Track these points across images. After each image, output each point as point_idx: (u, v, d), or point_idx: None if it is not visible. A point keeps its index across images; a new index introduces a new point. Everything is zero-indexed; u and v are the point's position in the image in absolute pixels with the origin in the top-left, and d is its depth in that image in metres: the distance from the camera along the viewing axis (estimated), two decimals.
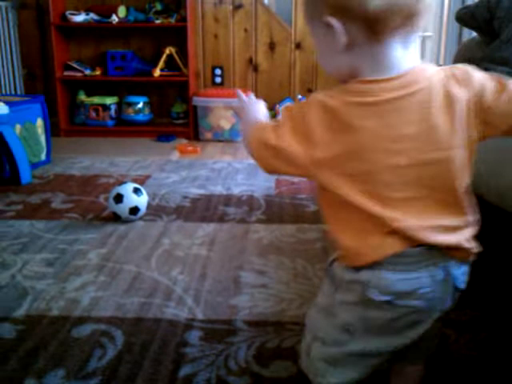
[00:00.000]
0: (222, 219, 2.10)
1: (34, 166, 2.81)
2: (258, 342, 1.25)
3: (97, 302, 1.44)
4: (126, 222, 2.04)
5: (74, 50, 3.95)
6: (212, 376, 1.13)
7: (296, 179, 2.62)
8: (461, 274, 0.76)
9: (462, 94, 0.72)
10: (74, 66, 3.82)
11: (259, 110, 0.90)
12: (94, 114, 3.80)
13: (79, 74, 3.81)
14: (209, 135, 3.70)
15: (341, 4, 0.68)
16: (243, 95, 0.93)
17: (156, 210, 2.20)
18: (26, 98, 2.95)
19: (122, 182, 2.19)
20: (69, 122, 3.89)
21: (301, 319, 1.29)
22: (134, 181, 2.39)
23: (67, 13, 3.72)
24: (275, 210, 2.20)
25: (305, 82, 3.99)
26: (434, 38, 4.61)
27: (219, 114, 3.66)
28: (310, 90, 3.97)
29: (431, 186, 0.72)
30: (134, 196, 2.02)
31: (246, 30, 3.93)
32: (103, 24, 3.73)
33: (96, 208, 2.23)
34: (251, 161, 0.80)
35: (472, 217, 0.76)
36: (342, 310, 0.79)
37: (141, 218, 2.07)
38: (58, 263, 1.68)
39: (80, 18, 3.71)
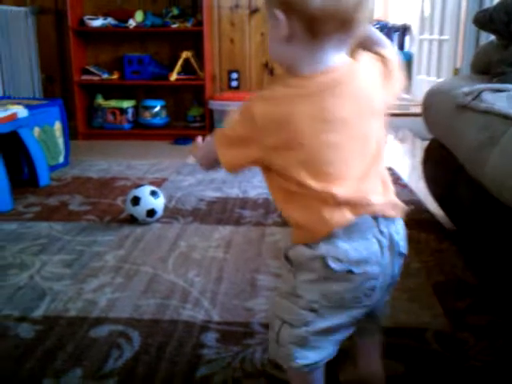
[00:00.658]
0: (238, 222, 2.11)
1: (52, 168, 2.84)
2: None
3: (114, 304, 1.45)
4: (142, 224, 2.05)
5: (91, 54, 3.99)
6: (228, 378, 1.14)
7: None
8: (401, 239, 0.86)
9: (376, 73, 0.85)
10: (92, 70, 3.86)
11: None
12: (111, 118, 3.84)
13: (97, 78, 3.85)
14: None
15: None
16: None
17: (172, 213, 2.21)
18: (44, 102, 3.00)
19: (138, 185, 2.21)
20: (86, 126, 3.93)
21: None
22: (151, 183, 2.40)
23: (85, 17, 3.76)
24: None
25: None
26: (450, 41, 4.57)
27: None
28: None
29: (363, 158, 0.82)
30: (150, 198, 2.04)
31: (262, 34, 3.94)
32: (120, 28, 3.77)
33: (113, 210, 2.25)
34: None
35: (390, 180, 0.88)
36: (305, 289, 0.85)
37: (157, 221, 2.09)
38: (75, 264, 1.70)
39: (98, 22, 3.75)
